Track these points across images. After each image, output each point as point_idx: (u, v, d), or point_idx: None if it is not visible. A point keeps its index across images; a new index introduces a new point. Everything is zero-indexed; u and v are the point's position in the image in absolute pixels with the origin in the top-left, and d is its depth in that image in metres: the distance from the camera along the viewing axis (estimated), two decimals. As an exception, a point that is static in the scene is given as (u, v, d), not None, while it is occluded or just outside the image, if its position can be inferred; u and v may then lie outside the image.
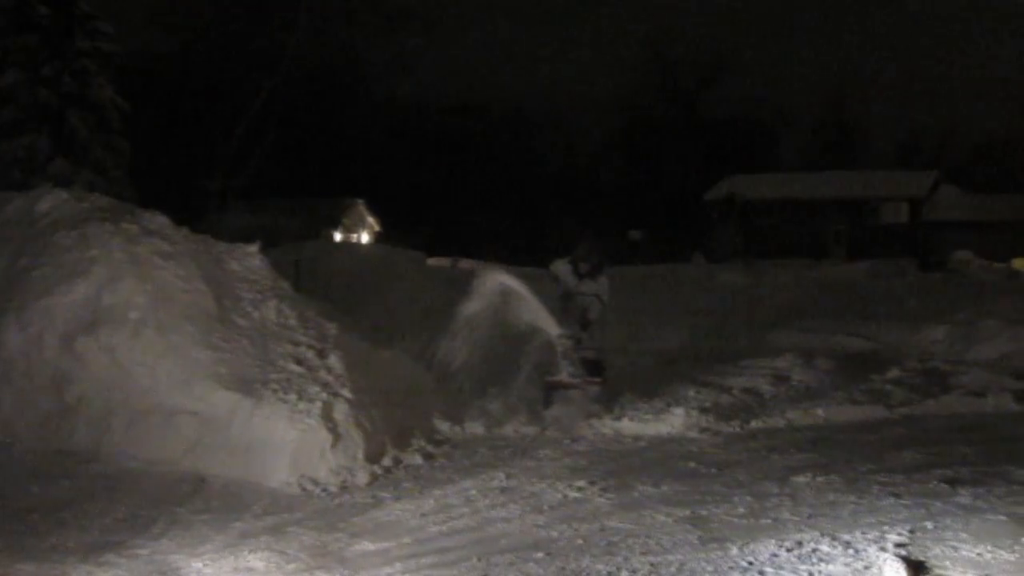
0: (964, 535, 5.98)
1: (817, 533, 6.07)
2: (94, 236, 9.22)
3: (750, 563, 5.60)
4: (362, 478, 7.64)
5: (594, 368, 10.48)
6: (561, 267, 10.89)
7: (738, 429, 9.67)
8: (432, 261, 32.43)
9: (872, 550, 5.71)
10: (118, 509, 6.85)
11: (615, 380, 10.87)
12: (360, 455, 7.86)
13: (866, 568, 5.46)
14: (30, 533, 6.33)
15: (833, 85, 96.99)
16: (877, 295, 22.94)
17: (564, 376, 10.26)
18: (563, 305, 10.69)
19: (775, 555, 5.71)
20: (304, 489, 7.39)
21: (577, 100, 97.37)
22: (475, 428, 9.61)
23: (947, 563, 5.53)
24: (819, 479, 7.45)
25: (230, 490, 7.34)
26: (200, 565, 5.84)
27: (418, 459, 8.34)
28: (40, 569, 5.72)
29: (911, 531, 6.06)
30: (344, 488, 7.47)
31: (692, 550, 5.88)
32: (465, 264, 38.04)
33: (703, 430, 9.52)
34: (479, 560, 5.80)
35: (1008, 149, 59.90)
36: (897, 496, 6.94)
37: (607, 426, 9.60)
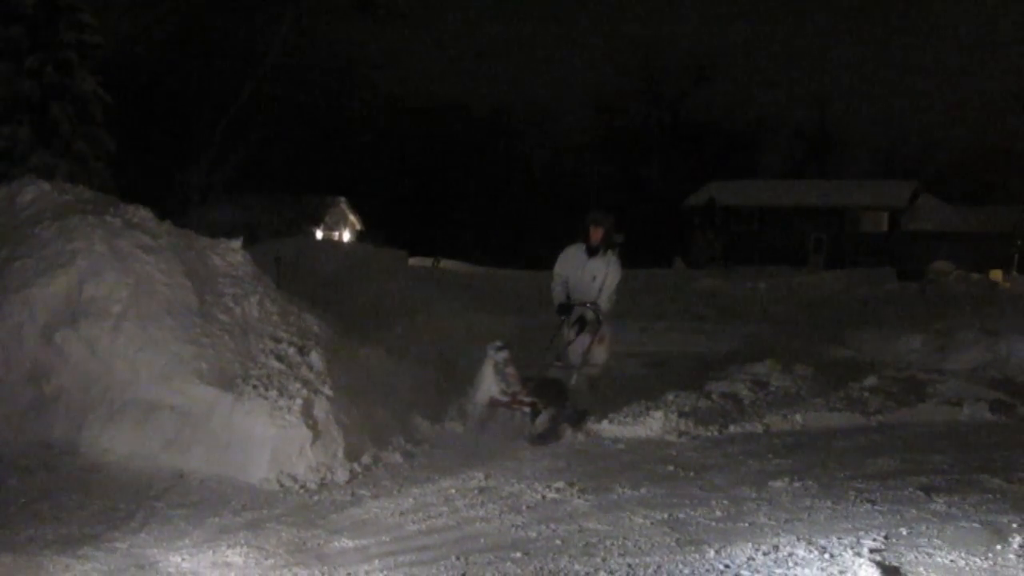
0: (938, 542, 6.04)
1: (793, 537, 6.12)
2: (76, 228, 9.18)
3: (727, 566, 5.65)
4: (341, 475, 7.64)
5: (543, 390, 9.40)
6: (571, 251, 10.19)
7: (716, 433, 9.70)
8: (414, 260, 32.41)
9: (847, 555, 5.77)
10: (96, 502, 6.83)
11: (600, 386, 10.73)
12: (340, 452, 7.87)
13: (841, 573, 5.52)
14: (7, 525, 6.31)
15: (815, 94, 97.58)
16: (856, 303, 23.14)
17: (495, 392, 9.38)
18: (562, 318, 10.04)
19: (751, 559, 5.75)
20: (283, 485, 7.39)
21: (560, 103, 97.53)
22: (454, 427, 9.61)
23: (921, 569, 5.60)
24: (796, 484, 7.51)
25: (209, 485, 7.34)
26: (178, 559, 5.84)
27: (397, 457, 8.35)
28: (17, 561, 5.70)
29: (886, 537, 6.12)
30: (323, 485, 7.47)
31: (669, 552, 5.92)
32: (447, 264, 38.09)
33: (682, 434, 9.54)
34: (457, 559, 5.82)
35: (987, 161, 60.47)
36: (873, 502, 7.00)
37: (586, 428, 9.61)
